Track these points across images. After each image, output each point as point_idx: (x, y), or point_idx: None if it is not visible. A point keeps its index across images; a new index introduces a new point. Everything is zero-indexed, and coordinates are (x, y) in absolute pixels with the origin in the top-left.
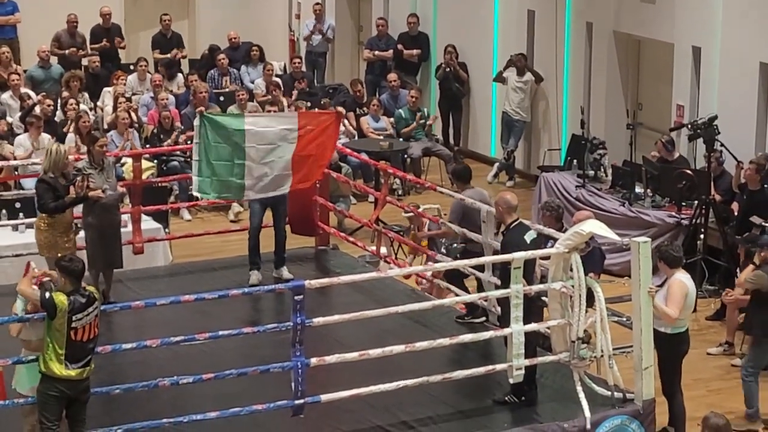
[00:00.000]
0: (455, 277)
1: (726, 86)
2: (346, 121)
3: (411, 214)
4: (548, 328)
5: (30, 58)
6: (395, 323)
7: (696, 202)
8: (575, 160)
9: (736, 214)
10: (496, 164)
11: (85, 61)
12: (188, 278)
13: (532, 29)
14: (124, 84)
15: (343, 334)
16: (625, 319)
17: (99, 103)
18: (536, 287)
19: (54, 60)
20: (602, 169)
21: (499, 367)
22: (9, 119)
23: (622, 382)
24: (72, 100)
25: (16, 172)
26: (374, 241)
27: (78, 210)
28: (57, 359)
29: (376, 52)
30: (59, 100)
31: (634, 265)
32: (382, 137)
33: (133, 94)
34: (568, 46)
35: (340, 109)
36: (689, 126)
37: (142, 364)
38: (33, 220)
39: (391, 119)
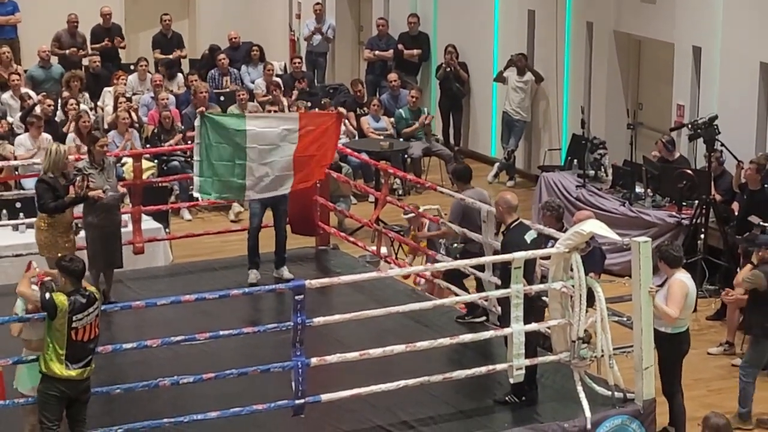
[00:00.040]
0: (455, 277)
1: (726, 86)
2: (346, 121)
3: (410, 215)
4: (549, 327)
5: (30, 58)
6: (396, 323)
7: (696, 201)
8: (575, 160)
9: (736, 213)
10: (497, 164)
11: (85, 61)
12: (189, 278)
13: (532, 29)
14: (125, 84)
15: (344, 333)
16: (625, 318)
17: (99, 103)
18: (536, 287)
19: (54, 60)
20: (603, 169)
21: (499, 366)
22: (9, 119)
23: (623, 382)
24: (72, 100)
25: (17, 172)
26: (374, 241)
27: (78, 210)
28: (57, 359)
29: (377, 52)
30: (59, 100)
31: (635, 265)
32: (382, 137)
33: (134, 94)
34: (568, 46)
35: (341, 109)
36: (689, 126)
37: (142, 363)
38: (33, 220)
39: (392, 119)
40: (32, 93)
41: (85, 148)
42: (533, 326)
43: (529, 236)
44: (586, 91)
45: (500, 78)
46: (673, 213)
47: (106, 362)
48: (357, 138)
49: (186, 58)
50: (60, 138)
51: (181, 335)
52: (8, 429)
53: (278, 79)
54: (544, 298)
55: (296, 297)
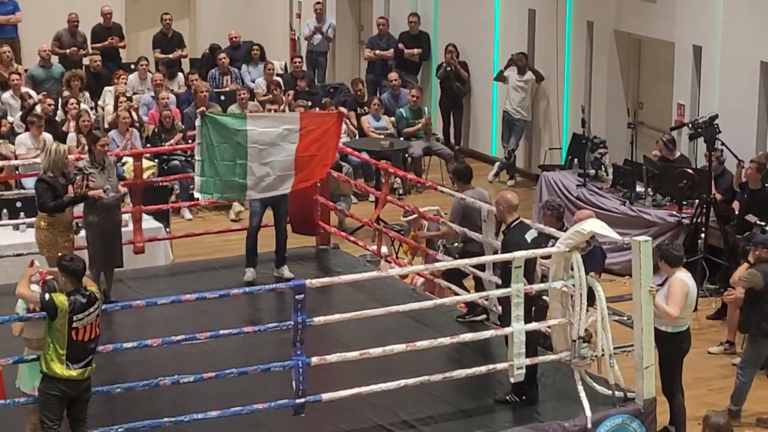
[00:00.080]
0: (455, 277)
1: (727, 85)
2: (347, 120)
3: (410, 217)
4: (549, 327)
5: (31, 58)
6: (396, 322)
7: (697, 201)
8: (576, 159)
9: (736, 213)
10: (497, 163)
11: (86, 61)
12: (189, 277)
13: (532, 28)
14: (125, 83)
15: (344, 333)
16: (626, 318)
17: (100, 103)
18: (537, 286)
19: (55, 59)
20: (603, 168)
21: (500, 366)
22: (10, 118)
23: (623, 381)
24: (73, 100)
25: (17, 172)
26: (375, 241)
27: (78, 209)
28: (58, 359)
29: (377, 52)
30: (60, 100)
31: (635, 264)
32: (382, 136)
33: (134, 93)
34: (568, 45)
35: (342, 109)
36: (690, 125)
37: (143, 363)
38: (34, 219)
39: (392, 118)
40: (33, 92)
41: (85, 147)
42: (533, 325)
43: (530, 235)
44: (587, 91)
45: (501, 77)
46: (674, 212)
47: (107, 361)
48: (357, 137)
49: (186, 57)
50: (60, 137)
51: (182, 334)
52: (9, 428)
53: (279, 79)
54: (545, 297)
55: (297, 296)
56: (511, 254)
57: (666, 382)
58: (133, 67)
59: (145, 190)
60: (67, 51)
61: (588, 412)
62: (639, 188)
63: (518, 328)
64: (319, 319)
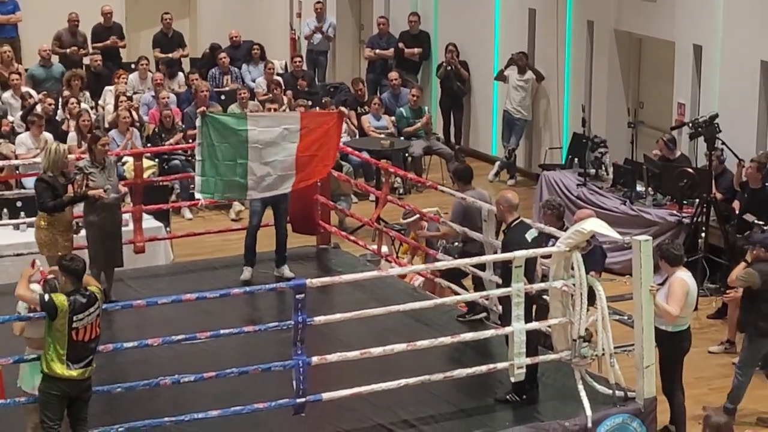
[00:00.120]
0: (455, 277)
1: (727, 84)
2: (347, 120)
3: (410, 219)
4: (549, 326)
5: (31, 57)
6: (396, 322)
7: (697, 200)
8: (576, 159)
9: (737, 212)
10: (497, 163)
11: (86, 60)
12: (189, 277)
13: (533, 28)
14: (126, 83)
15: (345, 332)
16: (626, 317)
17: (100, 102)
18: (537, 286)
19: (55, 59)
20: (603, 168)
21: (500, 365)
22: (10, 118)
23: (624, 381)
24: (73, 99)
25: (18, 171)
26: (375, 240)
27: (79, 209)
28: (58, 359)
29: (377, 51)
30: (60, 99)
31: (636, 264)
32: (383, 136)
33: (135, 92)
34: (569, 45)
35: (343, 109)
36: (690, 124)
37: (143, 362)
38: (34, 219)
39: (392, 118)
40: (33, 92)
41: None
42: (534, 325)
43: (530, 235)
44: (587, 90)
45: (501, 77)
46: (674, 211)
47: (107, 361)
48: (358, 137)
49: (187, 56)
50: (61, 137)
51: (182, 334)
52: (9, 428)
53: (279, 78)
54: (545, 296)
55: (297, 296)
56: (511, 254)
57: (666, 382)
58: (133, 66)
59: (145, 189)
60: (68, 50)
61: (588, 412)
62: (639, 187)
63: (519, 327)
64: (319, 319)
